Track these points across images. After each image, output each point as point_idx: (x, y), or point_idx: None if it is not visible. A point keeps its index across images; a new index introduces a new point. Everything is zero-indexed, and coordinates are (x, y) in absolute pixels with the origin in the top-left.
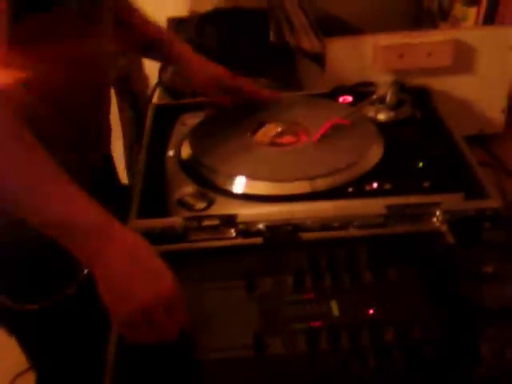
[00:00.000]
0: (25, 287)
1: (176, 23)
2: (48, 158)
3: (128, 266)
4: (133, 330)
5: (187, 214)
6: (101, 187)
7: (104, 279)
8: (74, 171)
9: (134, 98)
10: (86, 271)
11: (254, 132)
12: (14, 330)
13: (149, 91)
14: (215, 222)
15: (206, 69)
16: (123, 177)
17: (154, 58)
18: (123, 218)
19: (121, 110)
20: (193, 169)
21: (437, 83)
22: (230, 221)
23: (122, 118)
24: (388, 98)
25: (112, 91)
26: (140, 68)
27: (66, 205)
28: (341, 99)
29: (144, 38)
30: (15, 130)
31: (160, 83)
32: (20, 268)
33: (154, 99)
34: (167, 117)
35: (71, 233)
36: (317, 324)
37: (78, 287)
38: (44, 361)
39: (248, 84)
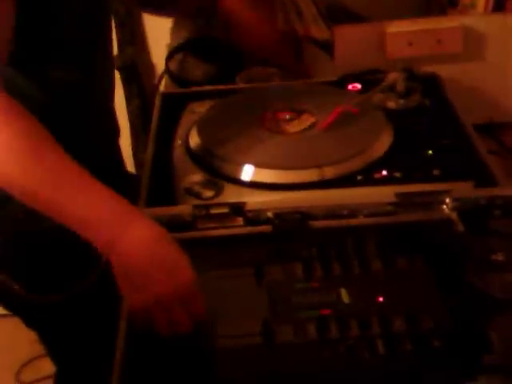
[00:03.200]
0: (42, 279)
1: None
2: (67, 154)
3: (146, 255)
4: (146, 321)
5: (195, 202)
6: (108, 175)
7: (121, 269)
8: (81, 157)
9: (140, 87)
10: (103, 263)
11: (263, 120)
12: (31, 321)
13: (156, 80)
14: (224, 210)
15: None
16: (130, 166)
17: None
18: None
19: (128, 99)
20: (201, 157)
21: (446, 71)
22: (238, 209)
23: (129, 107)
24: (397, 86)
25: (119, 80)
26: (146, 57)
27: (85, 195)
28: (350, 87)
29: None
30: (43, 134)
31: (167, 71)
32: (37, 260)
33: (161, 88)
34: (175, 105)
35: (89, 221)
36: (326, 312)
37: (96, 279)
38: (61, 350)
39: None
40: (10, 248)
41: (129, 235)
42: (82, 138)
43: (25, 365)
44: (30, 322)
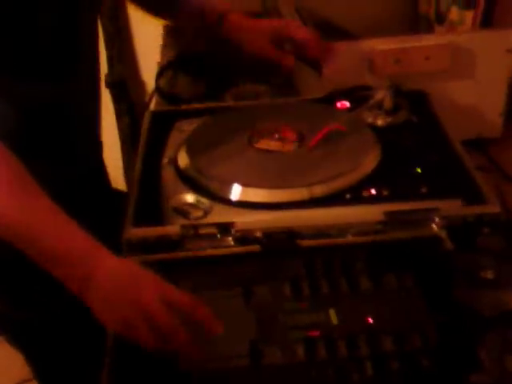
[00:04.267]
0: (26, 294)
1: (172, 30)
2: (42, 192)
3: (114, 283)
4: (134, 336)
5: (184, 221)
6: (92, 193)
7: (96, 299)
8: (63, 176)
9: (130, 105)
10: None
11: (251, 138)
12: (16, 340)
13: (146, 97)
14: (212, 230)
15: (258, 24)
16: (121, 184)
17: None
18: (117, 223)
19: (118, 117)
20: (189, 176)
21: (434, 87)
22: (226, 229)
23: (119, 125)
24: (385, 103)
25: (108, 97)
26: (137, 74)
27: (57, 237)
28: (338, 104)
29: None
30: (16, 171)
31: (157, 89)
32: (21, 276)
33: (152, 106)
34: (164, 123)
35: (61, 263)
36: (315, 333)
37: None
38: (47, 370)
39: (310, 34)
40: None
41: (100, 267)
42: (61, 153)
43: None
44: (14, 340)
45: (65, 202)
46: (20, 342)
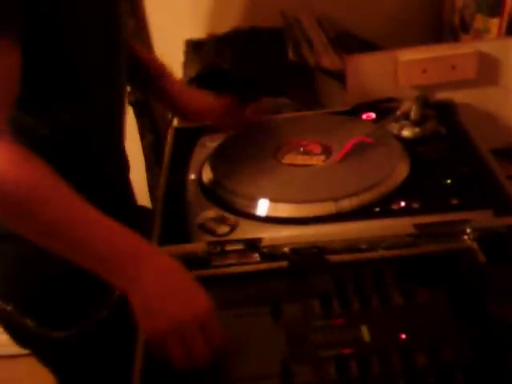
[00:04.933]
0: (56, 315)
1: (194, 46)
2: (77, 194)
3: (161, 285)
4: (163, 352)
5: (210, 238)
6: (119, 210)
7: (139, 301)
8: (89, 191)
9: (154, 122)
10: (115, 296)
11: (276, 153)
12: (46, 359)
13: (169, 115)
14: (239, 246)
15: (201, 96)
16: (147, 201)
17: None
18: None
19: (142, 135)
20: (214, 192)
21: (461, 97)
22: (254, 245)
23: (142, 142)
24: (412, 114)
25: (132, 115)
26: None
27: (97, 234)
28: (364, 116)
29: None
30: (51, 174)
31: None
32: (48, 293)
33: (175, 122)
34: (187, 139)
35: (103, 260)
36: (347, 351)
37: (109, 314)
38: None
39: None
40: (19, 279)
41: (145, 267)
42: (91, 174)
43: None
44: (43, 358)
45: None
46: (51, 360)
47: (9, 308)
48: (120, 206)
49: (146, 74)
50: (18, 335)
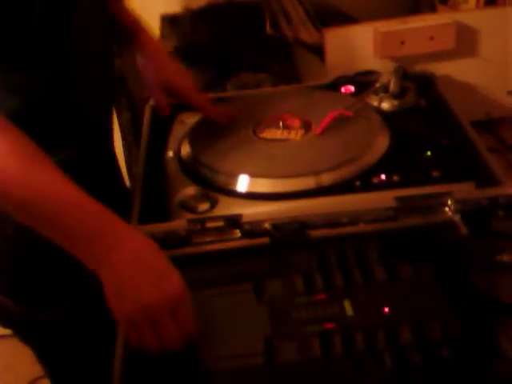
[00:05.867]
0: (37, 295)
1: (169, 20)
2: (57, 169)
3: (133, 267)
4: (137, 333)
5: (190, 216)
6: (105, 188)
7: (110, 282)
8: (77, 168)
9: (130, 100)
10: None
11: (255, 128)
12: (27, 339)
13: (145, 92)
14: (219, 223)
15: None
16: (125, 180)
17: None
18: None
19: (118, 112)
20: (194, 169)
21: (440, 68)
22: (234, 221)
23: (119, 121)
24: (391, 86)
25: None
26: (135, 68)
27: (75, 209)
28: (343, 89)
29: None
30: (31, 147)
31: None
32: (32, 275)
33: (151, 100)
34: (165, 117)
35: (76, 238)
36: (330, 325)
37: (91, 295)
38: (58, 369)
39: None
40: (1, 261)
41: (117, 248)
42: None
43: (32, 382)
44: (24, 338)
45: None
46: (33, 341)
47: None
48: (106, 181)
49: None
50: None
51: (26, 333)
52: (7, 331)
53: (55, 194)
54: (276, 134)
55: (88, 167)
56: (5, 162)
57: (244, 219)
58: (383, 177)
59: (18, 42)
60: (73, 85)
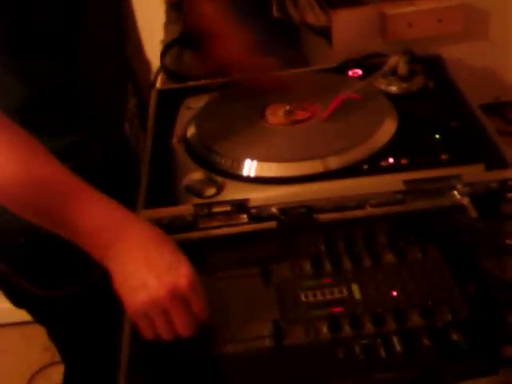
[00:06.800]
0: (50, 273)
1: (175, 5)
2: (58, 163)
3: (140, 258)
4: (149, 325)
5: (196, 200)
6: (118, 172)
7: (117, 275)
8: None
9: (136, 85)
10: None
11: (262, 112)
12: (40, 318)
13: (151, 77)
14: (226, 207)
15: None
16: None
17: None
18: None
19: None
20: (200, 154)
21: (449, 51)
22: (241, 206)
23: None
24: (399, 69)
25: None
26: (141, 53)
27: (79, 202)
28: (350, 73)
29: None
30: (32, 144)
31: (163, 67)
32: (45, 253)
33: (158, 84)
34: (171, 101)
35: (84, 229)
36: (338, 309)
37: (104, 272)
38: (71, 349)
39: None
40: (13, 239)
41: (123, 240)
42: (80, 127)
43: (36, 373)
44: (38, 318)
45: (90, 178)
46: (46, 320)
47: (1, 266)
48: (119, 166)
49: None
50: (11, 293)
51: (38, 311)
52: (17, 319)
53: (57, 188)
54: (283, 117)
55: (100, 150)
56: (5, 158)
57: (251, 204)
58: (391, 160)
59: (34, 35)
60: (84, 72)
